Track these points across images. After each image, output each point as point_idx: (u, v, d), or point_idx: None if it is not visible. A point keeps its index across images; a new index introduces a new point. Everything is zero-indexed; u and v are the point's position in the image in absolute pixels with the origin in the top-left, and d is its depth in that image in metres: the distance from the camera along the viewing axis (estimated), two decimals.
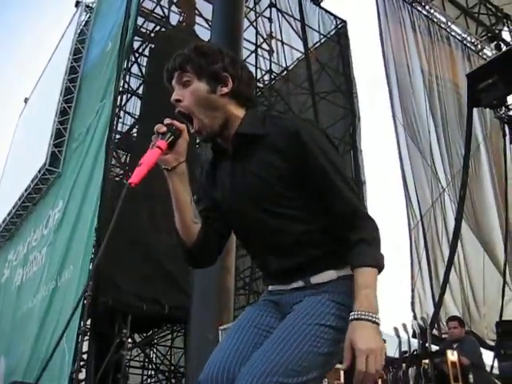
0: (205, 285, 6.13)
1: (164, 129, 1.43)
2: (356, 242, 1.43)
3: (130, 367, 9.13)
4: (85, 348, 7.08)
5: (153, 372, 10.13)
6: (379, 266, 1.42)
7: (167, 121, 1.45)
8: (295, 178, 1.49)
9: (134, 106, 9.86)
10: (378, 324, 1.35)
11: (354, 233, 1.43)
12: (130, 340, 7.77)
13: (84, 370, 7.04)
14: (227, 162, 1.59)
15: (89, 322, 7.06)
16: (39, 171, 9.57)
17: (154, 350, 10.01)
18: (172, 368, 9.59)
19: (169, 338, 10.01)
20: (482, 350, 6.68)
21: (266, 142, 1.50)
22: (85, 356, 7.05)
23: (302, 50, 11.01)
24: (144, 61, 10.13)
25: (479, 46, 13.25)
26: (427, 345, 6.09)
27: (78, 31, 10.47)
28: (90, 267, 6.93)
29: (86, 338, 7.03)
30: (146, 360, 9.80)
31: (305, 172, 1.48)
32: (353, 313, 1.36)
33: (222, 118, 1.53)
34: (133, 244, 7.40)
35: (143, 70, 10.02)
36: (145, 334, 9.35)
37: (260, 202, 1.51)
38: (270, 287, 1.65)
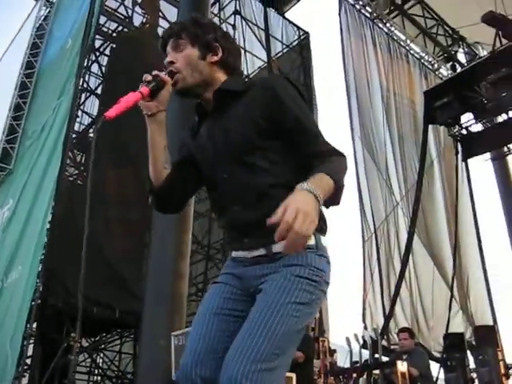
0: (158, 290, 6.05)
1: (150, 78, 1.58)
2: (320, 163, 1.47)
3: (76, 372, 8.88)
4: (29, 352, 6.85)
5: (99, 378, 9.88)
6: (337, 179, 1.42)
7: (154, 72, 1.59)
8: (271, 129, 1.58)
9: (92, 105, 9.67)
10: (318, 200, 1.32)
11: (322, 161, 1.48)
12: (77, 344, 7.56)
13: (27, 375, 6.81)
14: (208, 121, 1.71)
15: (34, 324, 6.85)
16: None
17: (101, 355, 9.78)
18: (119, 374, 9.39)
19: (117, 343, 9.80)
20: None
21: (244, 97, 1.63)
22: (29, 361, 6.82)
23: (264, 59, 11.07)
24: (104, 60, 9.95)
25: (436, 66, 13.65)
26: (377, 355, 6.18)
27: (37, 26, 10.22)
28: (40, 268, 6.73)
29: (31, 341, 6.81)
30: (93, 365, 9.56)
31: (281, 122, 1.57)
32: (298, 185, 1.35)
33: (203, 80, 1.68)
34: (86, 247, 7.22)
35: (103, 69, 9.84)
36: (92, 339, 9.14)
37: (235, 153, 1.60)
38: (234, 253, 1.68)
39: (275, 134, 1.58)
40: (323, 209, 1.63)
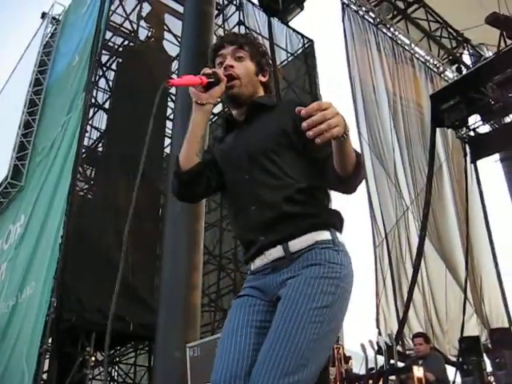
0: (171, 302, 6.07)
1: (209, 71, 1.72)
2: None
3: None
4: (46, 367, 6.88)
5: None
6: (358, 157, 1.48)
7: (214, 69, 1.75)
8: (293, 139, 1.67)
9: (100, 120, 9.75)
10: (346, 129, 1.36)
11: None
12: (92, 358, 7.59)
13: None
14: (237, 130, 1.85)
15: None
16: (0, 184, 9.36)
17: (116, 368, 9.81)
18: None
19: (131, 355, 9.83)
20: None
21: (273, 111, 1.79)
22: (45, 376, 6.84)
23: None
24: (111, 75, 10.05)
25: (441, 68, 13.62)
26: (393, 361, 6.15)
27: (44, 43, 10.34)
28: (54, 283, 6.77)
29: (47, 356, 6.83)
30: (109, 378, 9.58)
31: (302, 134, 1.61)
32: None
33: (252, 94, 1.82)
34: (98, 260, 7.27)
35: (110, 83, 9.93)
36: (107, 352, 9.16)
37: (257, 157, 1.70)
38: (252, 265, 1.70)
39: (296, 144, 1.66)
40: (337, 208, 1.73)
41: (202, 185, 1.81)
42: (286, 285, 1.55)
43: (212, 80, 1.72)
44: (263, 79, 1.87)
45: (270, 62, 1.93)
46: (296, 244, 1.58)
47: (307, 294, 1.48)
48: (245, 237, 1.73)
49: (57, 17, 11.03)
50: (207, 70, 1.71)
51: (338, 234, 1.63)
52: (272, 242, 1.61)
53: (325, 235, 1.59)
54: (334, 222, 1.65)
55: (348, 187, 1.57)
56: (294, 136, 1.66)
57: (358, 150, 1.54)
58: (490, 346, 8.20)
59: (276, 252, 1.60)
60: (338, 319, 1.53)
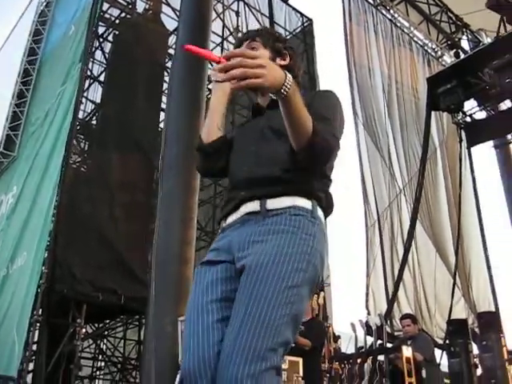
0: (164, 275, 6.06)
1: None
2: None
3: (81, 358, 8.94)
4: (36, 338, 6.88)
5: (103, 363, 9.96)
6: (316, 131, 1.48)
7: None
8: None
9: (95, 92, 9.64)
10: (283, 87, 1.37)
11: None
12: (83, 330, 7.60)
13: (33, 361, 6.86)
14: (260, 116, 1.83)
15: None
16: None
17: (105, 341, 9.85)
18: (123, 360, 9.45)
19: (120, 329, 9.87)
20: None
21: None
22: (35, 346, 6.85)
23: None
24: (107, 47, 9.92)
25: (439, 53, 13.59)
26: (382, 341, 6.21)
27: (39, 12, 10.16)
28: (46, 255, 6.75)
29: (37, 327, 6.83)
30: (97, 351, 9.62)
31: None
32: None
33: None
34: (90, 232, 7.25)
35: (106, 55, 9.80)
36: (96, 325, 9.20)
37: (268, 135, 1.70)
38: (223, 224, 1.68)
39: None
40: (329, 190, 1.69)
41: (224, 159, 1.80)
42: (252, 251, 1.49)
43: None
44: (283, 62, 1.83)
45: (292, 48, 1.91)
46: (274, 202, 1.55)
47: (277, 271, 1.42)
48: (229, 195, 1.71)
49: None
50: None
51: (319, 209, 1.60)
52: (251, 196, 1.58)
53: (305, 203, 1.56)
54: (319, 195, 1.61)
55: (306, 162, 1.54)
56: None
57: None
58: (476, 329, 8.32)
59: (252, 205, 1.58)
60: (306, 301, 1.50)
